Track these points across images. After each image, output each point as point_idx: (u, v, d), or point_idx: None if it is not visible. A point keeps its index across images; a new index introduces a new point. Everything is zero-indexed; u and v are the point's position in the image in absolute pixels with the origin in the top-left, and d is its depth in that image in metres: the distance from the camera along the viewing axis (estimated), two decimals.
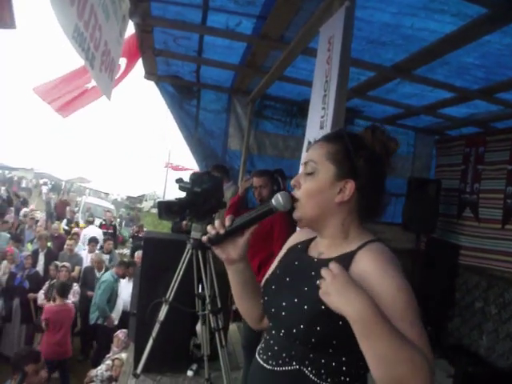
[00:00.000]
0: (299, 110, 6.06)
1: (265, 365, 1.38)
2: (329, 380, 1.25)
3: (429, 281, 5.80)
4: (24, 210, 15.08)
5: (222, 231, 1.36)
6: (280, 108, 6.18)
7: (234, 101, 6.03)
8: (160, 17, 3.86)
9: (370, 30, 3.28)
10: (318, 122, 2.76)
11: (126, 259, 8.07)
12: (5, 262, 7.87)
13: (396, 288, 1.17)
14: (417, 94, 4.72)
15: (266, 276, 1.55)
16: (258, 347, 1.49)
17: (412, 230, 5.93)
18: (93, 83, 4.26)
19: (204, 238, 1.39)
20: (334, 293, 1.10)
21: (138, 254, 8.59)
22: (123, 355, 5.31)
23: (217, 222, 1.39)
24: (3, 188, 22.16)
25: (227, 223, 1.37)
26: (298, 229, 1.70)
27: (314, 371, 1.26)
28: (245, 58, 4.56)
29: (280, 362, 1.34)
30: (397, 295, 1.16)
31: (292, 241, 1.63)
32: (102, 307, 7.09)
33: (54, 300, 6.66)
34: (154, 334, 3.17)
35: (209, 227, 1.39)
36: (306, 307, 1.26)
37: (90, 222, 13.82)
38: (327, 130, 2.57)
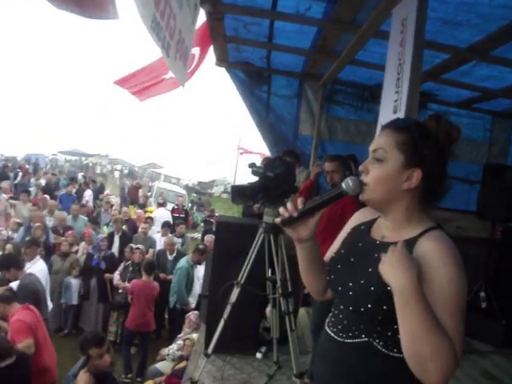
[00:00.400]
0: (371, 94, 5.95)
1: (336, 337, 1.50)
2: (395, 350, 1.34)
3: (504, 271, 5.55)
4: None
5: (294, 214, 1.45)
6: (351, 93, 6.09)
7: (305, 86, 5.99)
8: (230, 4, 3.89)
9: (444, 9, 3.17)
10: (392, 107, 2.71)
11: (199, 244, 8.21)
12: (83, 244, 8.28)
13: (448, 278, 1.25)
14: (494, 76, 4.51)
15: (331, 254, 1.65)
16: (327, 319, 1.61)
17: (487, 218, 5.67)
18: (170, 74, 4.39)
19: (277, 220, 1.48)
20: (388, 265, 1.24)
21: (208, 237, 8.83)
22: (194, 336, 5.47)
23: (289, 205, 1.46)
24: (81, 174, 23.16)
25: (300, 206, 1.45)
26: None
27: (381, 343, 1.37)
28: (315, 42, 4.52)
29: (350, 334, 1.45)
30: (446, 285, 1.25)
31: (355, 220, 1.71)
32: (180, 293, 7.35)
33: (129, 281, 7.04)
34: (225, 315, 3.25)
35: (281, 209, 1.47)
36: (372, 288, 1.34)
37: (160, 205, 14.28)
38: (401, 114, 2.52)
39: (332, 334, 1.52)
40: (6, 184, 12.58)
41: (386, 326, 1.35)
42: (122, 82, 4.80)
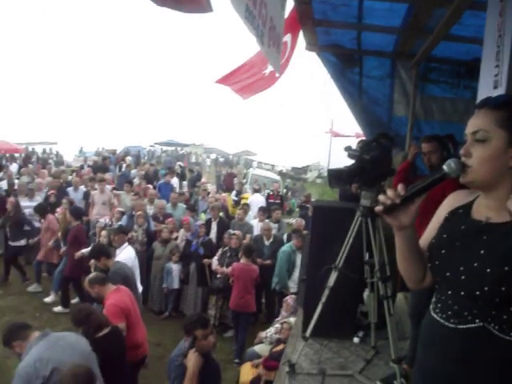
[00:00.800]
0: (467, 70, 5.64)
1: (446, 323, 1.48)
2: (511, 334, 1.33)
3: None
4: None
5: (397, 200, 1.41)
6: (446, 70, 5.81)
7: (398, 65, 5.80)
8: None
9: None
10: (492, 82, 2.59)
11: (301, 231, 8.31)
12: (182, 231, 8.62)
13: None
14: None
15: (429, 239, 1.63)
16: (432, 306, 1.59)
17: None
18: (269, 69, 4.45)
19: (378, 208, 1.45)
20: None
21: (297, 221, 8.96)
22: (291, 319, 5.54)
23: (390, 192, 1.43)
24: (178, 163, 24.00)
25: (402, 192, 1.42)
26: None
27: (496, 327, 1.35)
28: (407, 19, 4.37)
29: (462, 320, 1.42)
30: None
31: (449, 204, 1.69)
32: (282, 276, 7.50)
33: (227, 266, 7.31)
34: (323, 299, 3.27)
35: (382, 197, 1.44)
36: (488, 270, 1.32)
37: (256, 191, 14.54)
38: (502, 89, 2.40)
39: (442, 321, 1.50)
40: (109, 176, 13.37)
41: (501, 309, 1.33)
42: (224, 80, 4.92)
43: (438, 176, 1.42)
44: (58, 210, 9.26)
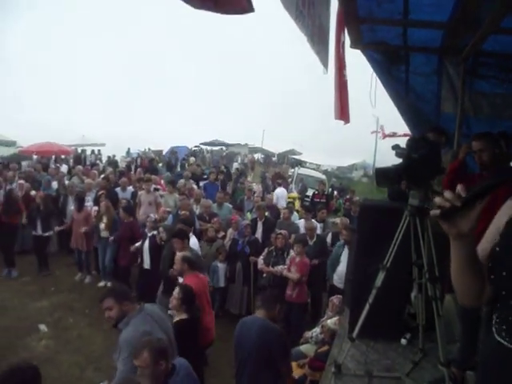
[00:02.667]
0: None
1: None
2: None
3: None
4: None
5: (458, 203, 1.25)
6: (496, 64, 5.62)
7: (445, 61, 5.65)
8: None
9: None
10: None
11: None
12: (230, 229, 8.71)
13: None
14: None
15: (494, 248, 1.45)
16: (495, 327, 1.40)
17: None
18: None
19: (434, 212, 1.30)
20: None
21: (342, 220, 8.88)
22: (329, 321, 5.50)
23: (448, 194, 1.28)
24: (223, 164, 24.19)
25: (462, 194, 1.26)
26: None
27: None
28: (454, 13, 4.25)
29: None
30: None
31: (508, 211, 1.52)
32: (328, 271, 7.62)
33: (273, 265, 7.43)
34: (370, 299, 3.23)
35: (439, 199, 1.28)
36: None
37: (279, 184, 14.78)
38: None
39: (511, 345, 1.31)
40: (155, 176, 13.65)
41: None
42: (344, 114, 4.80)
43: (503, 178, 1.32)
44: (101, 204, 9.69)
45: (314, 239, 8.24)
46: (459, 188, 1.28)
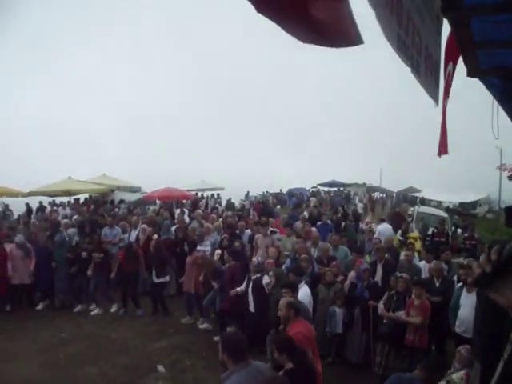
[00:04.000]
0: None
1: None
2: None
3: None
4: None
5: (488, 269, 1.01)
6: None
7: None
8: (478, 4, 3.53)
9: None
10: None
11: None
12: (352, 273, 8.46)
13: None
14: None
15: None
16: None
17: None
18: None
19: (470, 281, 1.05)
20: None
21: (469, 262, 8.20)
22: (454, 376, 5.03)
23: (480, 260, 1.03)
24: (341, 205, 23.99)
25: (493, 257, 1.03)
26: None
27: None
28: None
29: None
30: None
31: None
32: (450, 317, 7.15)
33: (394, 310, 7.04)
34: (505, 355, 2.82)
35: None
36: None
37: (382, 220, 14.67)
38: None
39: None
40: (272, 219, 13.78)
41: None
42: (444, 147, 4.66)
43: None
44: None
45: (440, 280, 7.77)
46: (492, 251, 1.03)
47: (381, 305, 7.42)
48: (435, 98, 3.31)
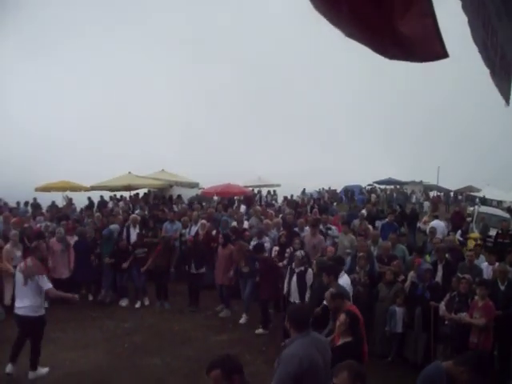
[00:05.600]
0: None
1: None
2: None
3: None
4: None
5: None
6: None
7: None
8: None
9: None
10: None
11: None
12: (412, 273, 8.39)
13: None
14: None
15: None
16: None
17: None
18: None
19: None
20: None
21: None
22: None
23: None
24: (398, 204, 23.55)
25: None
26: None
27: None
28: None
29: None
30: None
31: None
32: None
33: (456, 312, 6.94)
34: None
35: None
36: None
37: (435, 217, 14.25)
38: None
39: None
40: (327, 216, 13.74)
41: None
42: None
43: None
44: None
45: (506, 283, 7.53)
46: None
47: (442, 306, 7.33)
48: (507, 97, 3.26)
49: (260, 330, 9.34)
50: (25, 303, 7.04)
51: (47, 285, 7.17)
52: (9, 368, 7.10)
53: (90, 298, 11.58)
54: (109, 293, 11.53)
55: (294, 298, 8.34)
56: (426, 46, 1.78)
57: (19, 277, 7.19)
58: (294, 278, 8.38)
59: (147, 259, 11.19)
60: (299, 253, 8.67)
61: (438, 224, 13.96)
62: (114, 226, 12.52)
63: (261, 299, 9.60)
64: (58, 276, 11.02)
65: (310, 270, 8.37)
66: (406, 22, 1.72)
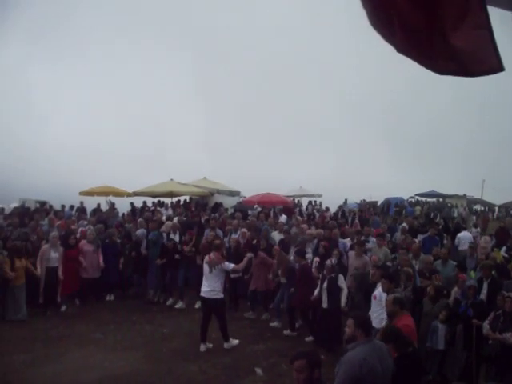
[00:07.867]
0: None
1: None
2: None
3: None
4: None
5: None
6: None
7: None
8: None
9: None
10: None
11: None
12: (455, 288, 8.23)
13: None
14: None
15: None
16: None
17: None
18: None
19: None
20: None
21: None
22: None
23: None
24: (442, 217, 23.03)
25: None
26: None
27: None
28: None
29: None
30: None
31: None
32: None
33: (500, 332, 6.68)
34: None
35: None
36: None
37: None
38: None
39: None
40: (369, 228, 13.57)
41: None
42: None
43: None
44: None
45: None
46: None
47: (486, 325, 7.11)
48: None
49: (288, 332, 9.88)
50: (210, 287, 8.54)
51: (230, 266, 8.78)
52: (202, 347, 8.65)
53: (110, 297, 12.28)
54: (157, 293, 12.29)
55: (324, 303, 8.88)
56: (480, 59, 1.73)
57: (206, 267, 8.68)
58: (325, 285, 8.91)
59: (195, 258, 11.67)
60: (329, 261, 9.25)
61: (465, 235, 14.24)
62: (141, 231, 13.00)
63: (291, 306, 9.87)
64: (90, 276, 11.63)
65: (340, 276, 9.02)
66: (459, 34, 1.68)
